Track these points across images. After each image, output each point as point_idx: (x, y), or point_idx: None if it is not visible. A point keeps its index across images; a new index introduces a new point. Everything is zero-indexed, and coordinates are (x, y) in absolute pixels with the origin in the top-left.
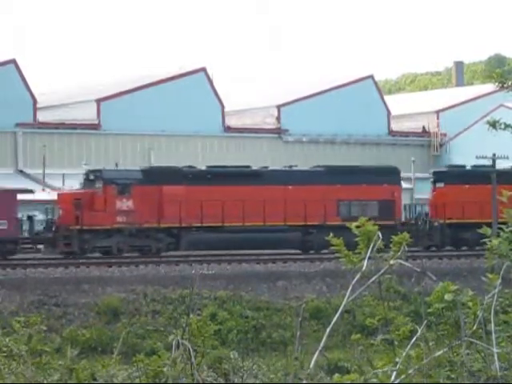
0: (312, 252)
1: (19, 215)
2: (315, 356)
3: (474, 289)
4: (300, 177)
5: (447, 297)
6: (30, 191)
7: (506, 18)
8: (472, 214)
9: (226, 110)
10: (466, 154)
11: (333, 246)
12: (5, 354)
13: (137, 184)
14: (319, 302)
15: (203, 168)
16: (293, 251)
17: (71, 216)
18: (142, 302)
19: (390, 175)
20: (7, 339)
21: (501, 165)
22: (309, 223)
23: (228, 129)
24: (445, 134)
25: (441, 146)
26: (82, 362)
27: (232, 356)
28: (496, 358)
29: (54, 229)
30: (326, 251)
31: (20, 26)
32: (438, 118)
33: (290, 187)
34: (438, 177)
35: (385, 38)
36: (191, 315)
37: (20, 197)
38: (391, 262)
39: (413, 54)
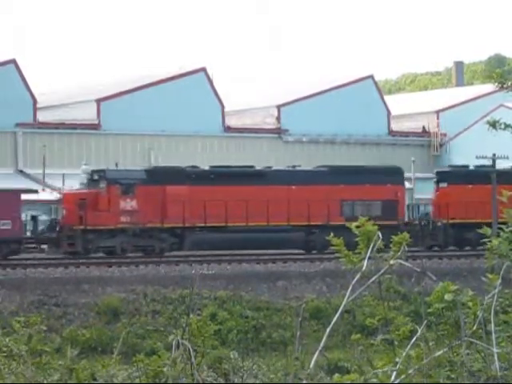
0: (314, 252)
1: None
2: (315, 356)
3: (474, 289)
4: (303, 177)
5: (447, 297)
6: (35, 191)
7: (506, 18)
8: (475, 214)
9: (226, 109)
10: (465, 154)
11: (333, 245)
12: (5, 354)
13: (140, 184)
14: (319, 301)
15: (206, 168)
16: (292, 251)
17: (75, 216)
18: (142, 301)
19: (394, 175)
20: (7, 339)
21: (501, 165)
22: (312, 223)
23: (228, 129)
24: (445, 134)
25: (441, 145)
26: (81, 362)
27: (232, 356)
28: (496, 358)
29: (57, 229)
30: (329, 251)
31: (20, 25)
32: (437, 118)
33: (293, 187)
34: (441, 177)
35: (385, 37)
36: (191, 315)
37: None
38: (391, 262)
39: (413, 54)
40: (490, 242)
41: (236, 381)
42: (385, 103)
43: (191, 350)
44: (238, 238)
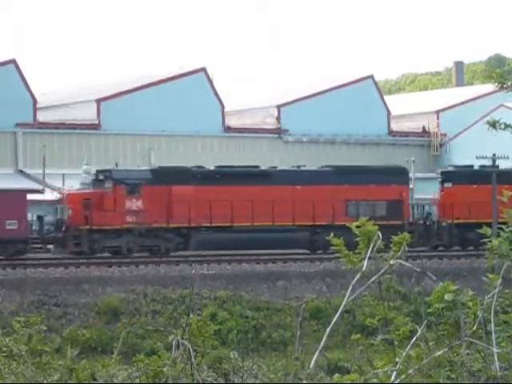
0: (320, 252)
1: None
2: (315, 356)
3: (474, 289)
4: (308, 177)
5: (447, 297)
6: (40, 191)
7: (506, 18)
8: (480, 214)
9: (226, 109)
10: (465, 154)
11: (334, 246)
12: (5, 354)
13: (146, 184)
14: (319, 301)
15: (212, 168)
16: (292, 251)
17: (81, 216)
18: (142, 301)
19: (399, 175)
20: (7, 339)
21: (501, 165)
22: (317, 223)
23: (228, 129)
24: (445, 134)
25: (441, 145)
26: (82, 362)
27: (232, 356)
28: (496, 358)
29: (63, 229)
30: (333, 251)
31: (20, 25)
32: (438, 118)
33: (298, 187)
34: (446, 177)
35: (385, 37)
36: (191, 315)
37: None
38: (391, 262)
39: (413, 54)
40: (490, 241)
41: (236, 381)
42: (385, 103)
43: (191, 350)
44: (244, 238)
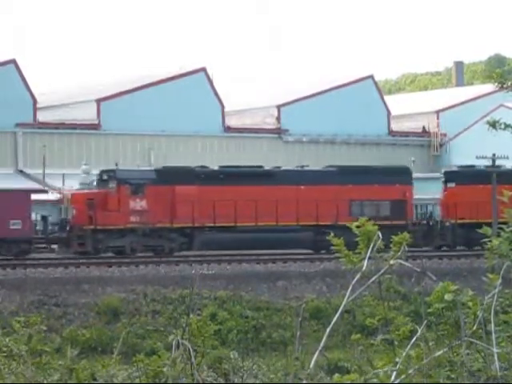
0: (323, 252)
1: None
2: (315, 356)
3: (474, 289)
4: (312, 177)
5: (447, 297)
6: (45, 191)
7: (506, 18)
8: (483, 214)
9: (226, 109)
10: (466, 154)
11: (334, 245)
12: (5, 354)
13: (150, 184)
14: (319, 302)
15: (216, 168)
16: (292, 251)
17: (85, 216)
18: (142, 301)
19: (402, 175)
20: (7, 339)
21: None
22: (321, 223)
23: (228, 129)
24: (445, 134)
25: (441, 145)
26: (82, 362)
27: (232, 356)
28: (496, 358)
29: (67, 229)
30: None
31: (20, 25)
32: (438, 118)
33: (302, 187)
34: (449, 177)
35: (385, 37)
36: (191, 315)
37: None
38: (391, 262)
39: (413, 54)
40: (490, 241)
41: (236, 381)
42: (385, 103)
43: (191, 350)
44: (247, 238)
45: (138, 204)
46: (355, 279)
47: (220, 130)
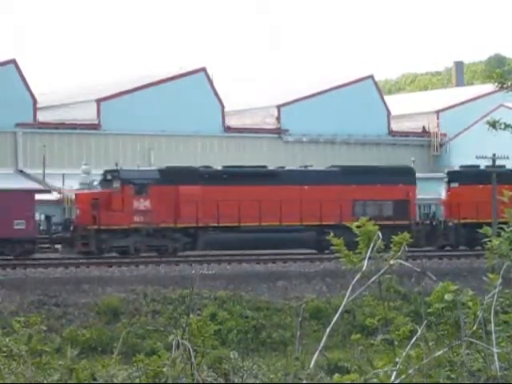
0: (327, 252)
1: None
2: (315, 356)
3: (474, 289)
4: (316, 177)
5: (447, 297)
6: (48, 191)
7: (506, 18)
8: (486, 214)
9: (226, 109)
10: (466, 154)
11: (334, 245)
12: (5, 354)
13: (154, 184)
14: (319, 302)
15: (219, 168)
16: (292, 251)
17: (89, 216)
18: (142, 302)
19: (405, 175)
20: (7, 339)
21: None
22: (324, 223)
23: (228, 129)
24: (445, 134)
25: (441, 145)
26: (82, 362)
27: (232, 356)
28: (496, 358)
29: (71, 229)
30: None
31: (20, 25)
32: (438, 118)
33: (305, 187)
34: (453, 177)
35: (385, 37)
36: (191, 315)
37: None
38: (391, 261)
39: (413, 54)
40: (490, 241)
41: (236, 381)
42: (385, 103)
43: (191, 350)
44: (251, 237)
45: (142, 204)
46: (355, 279)
47: (220, 129)
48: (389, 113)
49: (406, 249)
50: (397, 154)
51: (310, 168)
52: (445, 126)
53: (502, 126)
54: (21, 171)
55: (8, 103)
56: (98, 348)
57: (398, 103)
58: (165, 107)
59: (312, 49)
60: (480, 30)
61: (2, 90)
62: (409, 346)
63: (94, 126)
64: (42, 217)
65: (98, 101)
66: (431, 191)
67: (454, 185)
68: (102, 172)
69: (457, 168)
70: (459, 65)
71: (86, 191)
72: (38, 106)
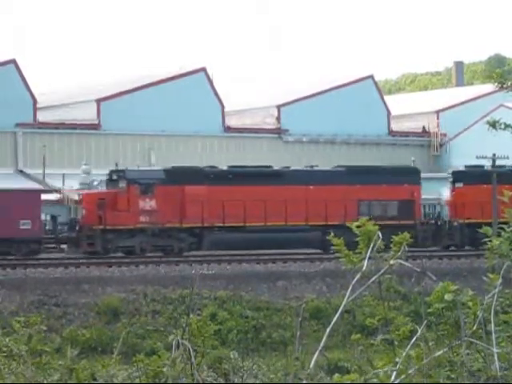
0: (331, 251)
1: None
2: (315, 356)
3: (474, 289)
4: (321, 177)
5: (447, 297)
6: (54, 191)
7: (506, 18)
8: (491, 214)
9: (226, 109)
10: (466, 154)
11: (334, 245)
12: (5, 354)
13: (159, 184)
14: (319, 301)
15: (225, 168)
16: (292, 251)
17: (94, 216)
18: (142, 301)
19: (410, 175)
20: (7, 339)
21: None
22: (329, 223)
23: (228, 129)
24: (445, 134)
25: (441, 145)
26: (82, 362)
27: (232, 356)
28: (496, 358)
29: (77, 228)
30: None
31: (20, 25)
32: (438, 118)
33: (310, 187)
34: (457, 177)
35: (385, 37)
36: (191, 315)
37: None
38: (391, 262)
39: (413, 54)
40: (490, 241)
41: (236, 381)
42: (385, 103)
43: (191, 350)
44: (256, 237)
45: (148, 204)
46: (355, 279)
47: (220, 129)
48: (389, 113)
49: (406, 249)
50: (397, 154)
51: (315, 168)
52: (445, 126)
53: (502, 126)
54: (21, 171)
55: (8, 103)
56: (98, 348)
57: (398, 103)
58: (165, 107)
59: (312, 49)
60: (480, 29)
61: (2, 89)
62: (409, 346)
63: (94, 126)
64: (48, 217)
65: (98, 101)
66: (432, 191)
67: (459, 185)
68: (102, 172)
69: (461, 168)
70: (459, 65)
71: (91, 191)
72: (38, 105)
